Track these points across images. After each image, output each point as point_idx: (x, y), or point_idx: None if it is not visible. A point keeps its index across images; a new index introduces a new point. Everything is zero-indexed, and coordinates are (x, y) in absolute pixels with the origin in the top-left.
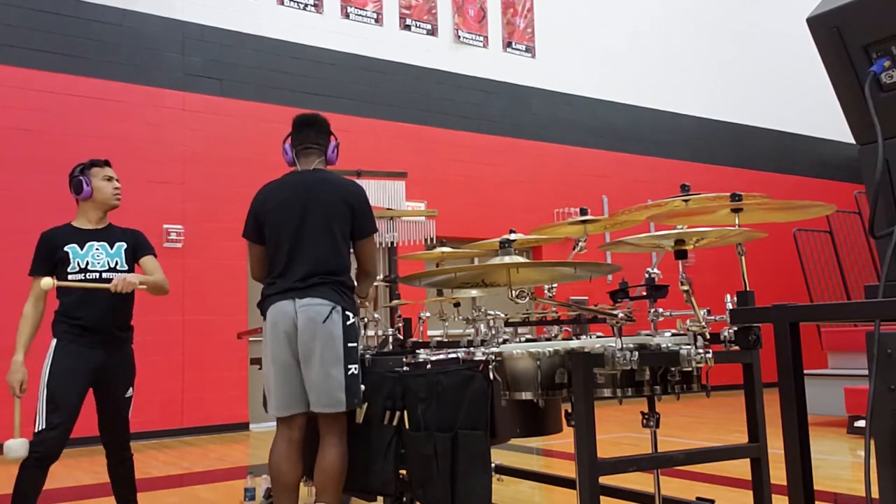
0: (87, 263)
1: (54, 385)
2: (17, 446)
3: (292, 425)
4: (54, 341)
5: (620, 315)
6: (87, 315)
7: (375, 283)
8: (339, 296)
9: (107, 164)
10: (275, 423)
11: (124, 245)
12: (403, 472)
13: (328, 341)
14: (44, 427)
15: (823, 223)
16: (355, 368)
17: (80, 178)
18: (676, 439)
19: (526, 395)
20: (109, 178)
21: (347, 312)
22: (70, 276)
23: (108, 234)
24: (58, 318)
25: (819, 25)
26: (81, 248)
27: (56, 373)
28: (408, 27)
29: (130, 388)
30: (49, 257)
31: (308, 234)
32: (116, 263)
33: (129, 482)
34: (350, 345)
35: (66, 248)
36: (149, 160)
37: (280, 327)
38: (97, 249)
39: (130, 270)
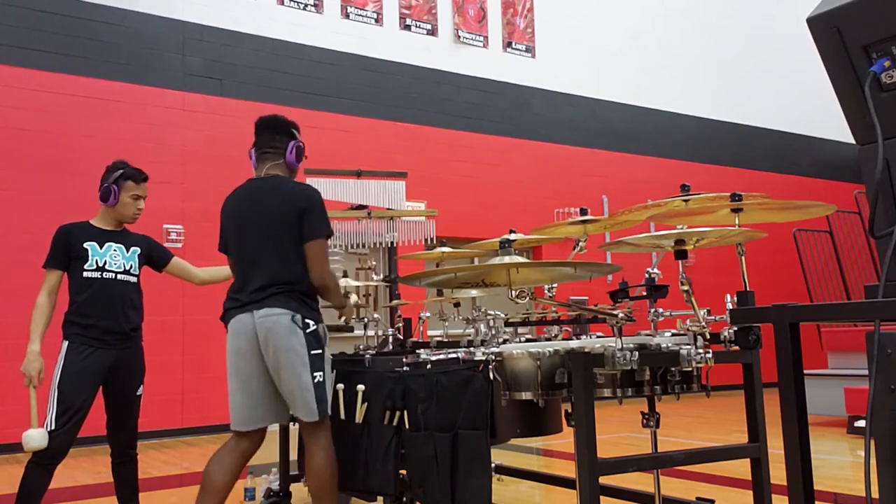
0: (105, 263)
1: (66, 387)
2: (37, 436)
3: (246, 438)
4: (66, 343)
5: (620, 315)
6: (100, 314)
7: (375, 283)
8: (297, 303)
9: (145, 180)
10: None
11: (139, 250)
12: (403, 472)
13: (290, 351)
14: (53, 428)
15: (823, 223)
16: (321, 376)
17: (112, 186)
18: (676, 439)
19: (526, 395)
20: (137, 198)
21: (307, 320)
22: (86, 273)
23: (124, 238)
24: (69, 318)
25: (819, 25)
26: (101, 248)
27: (68, 375)
28: (408, 27)
29: (141, 386)
30: (66, 251)
31: (260, 245)
32: (131, 267)
33: (132, 482)
34: (314, 352)
35: (85, 245)
36: (149, 160)
37: (240, 340)
38: (115, 250)
39: (139, 275)
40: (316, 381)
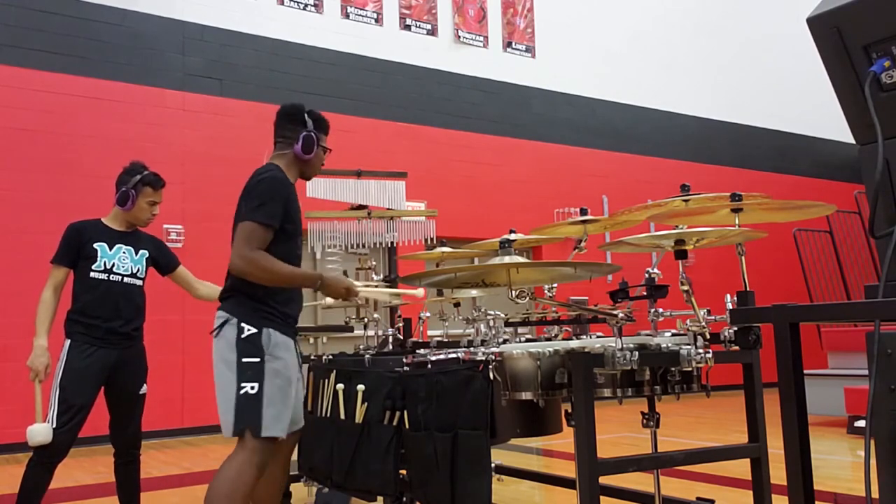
0: (113, 265)
1: (67, 385)
2: (42, 431)
3: None
4: (68, 342)
5: (620, 315)
6: (104, 316)
7: (375, 283)
8: (235, 306)
9: (162, 186)
10: None
11: (146, 254)
12: (403, 472)
13: (219, 358)
14: (55, 426)
15: (823, 223)
16: (253, 388)
17: (130, 191)
18: (676, 439)
19: (526, 395)
20: (153, 203)
21: (243, 324)
22: (93, 274)
23: (135, 240)
24: (72, 317)
25: (819, 25)
26: (110, 249)
27: (70, 373)
28: (408, 27)
29: (144, 385)
30: (76, 250)
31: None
32: (138, 270)
33: (134, 482)
34: (246, 360)
35: (95, 245)
36: (149, 160)
37: None
38: (124, 253)
39: (145, 278)
40: (242, 391)
